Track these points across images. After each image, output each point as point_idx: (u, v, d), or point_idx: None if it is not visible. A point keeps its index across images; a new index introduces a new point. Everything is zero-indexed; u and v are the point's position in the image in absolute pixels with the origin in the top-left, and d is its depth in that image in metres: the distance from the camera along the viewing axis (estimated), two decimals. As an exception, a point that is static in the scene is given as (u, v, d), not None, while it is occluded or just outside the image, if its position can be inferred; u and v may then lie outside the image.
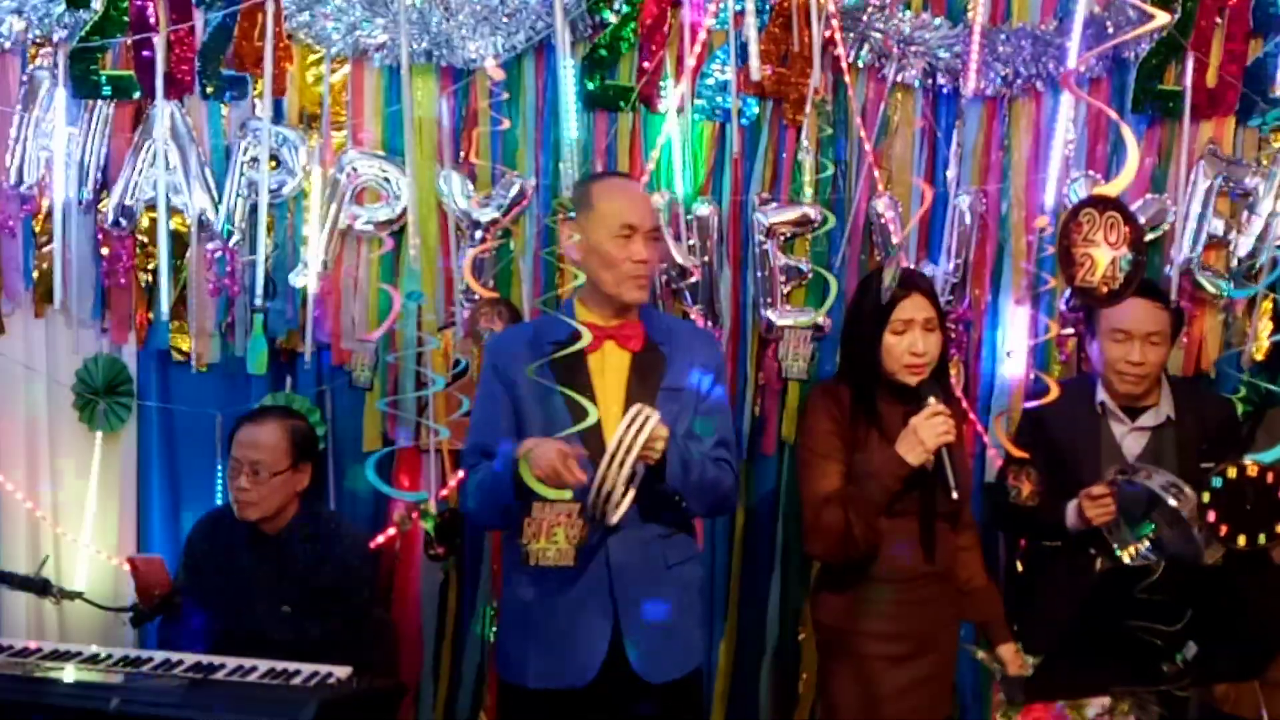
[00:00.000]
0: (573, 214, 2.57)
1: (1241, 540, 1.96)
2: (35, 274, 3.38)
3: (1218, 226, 3.20)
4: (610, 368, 2.48)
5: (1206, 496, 1.99)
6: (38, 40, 3.28)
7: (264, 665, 2.62)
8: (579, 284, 2.60)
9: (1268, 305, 3.22)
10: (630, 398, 2.42)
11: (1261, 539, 1.98)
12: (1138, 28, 3.05)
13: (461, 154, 3.27)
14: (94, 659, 2.65)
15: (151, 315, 3.38)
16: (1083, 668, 2.04)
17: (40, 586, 2.70)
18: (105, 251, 3.36)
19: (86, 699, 2.37)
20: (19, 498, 3.36)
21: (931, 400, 2.52)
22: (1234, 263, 3.18)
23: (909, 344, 2.56)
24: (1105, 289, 1.94)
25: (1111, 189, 2.12)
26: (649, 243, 2.51)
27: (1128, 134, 2.12)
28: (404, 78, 2.97)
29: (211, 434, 3.43)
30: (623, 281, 2.47)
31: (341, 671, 2.60)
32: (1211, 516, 1.99)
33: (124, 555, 3.38)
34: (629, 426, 2.17)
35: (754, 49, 2.95)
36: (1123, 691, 2.15)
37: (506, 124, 3.18)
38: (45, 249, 3.37)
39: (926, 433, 2.49)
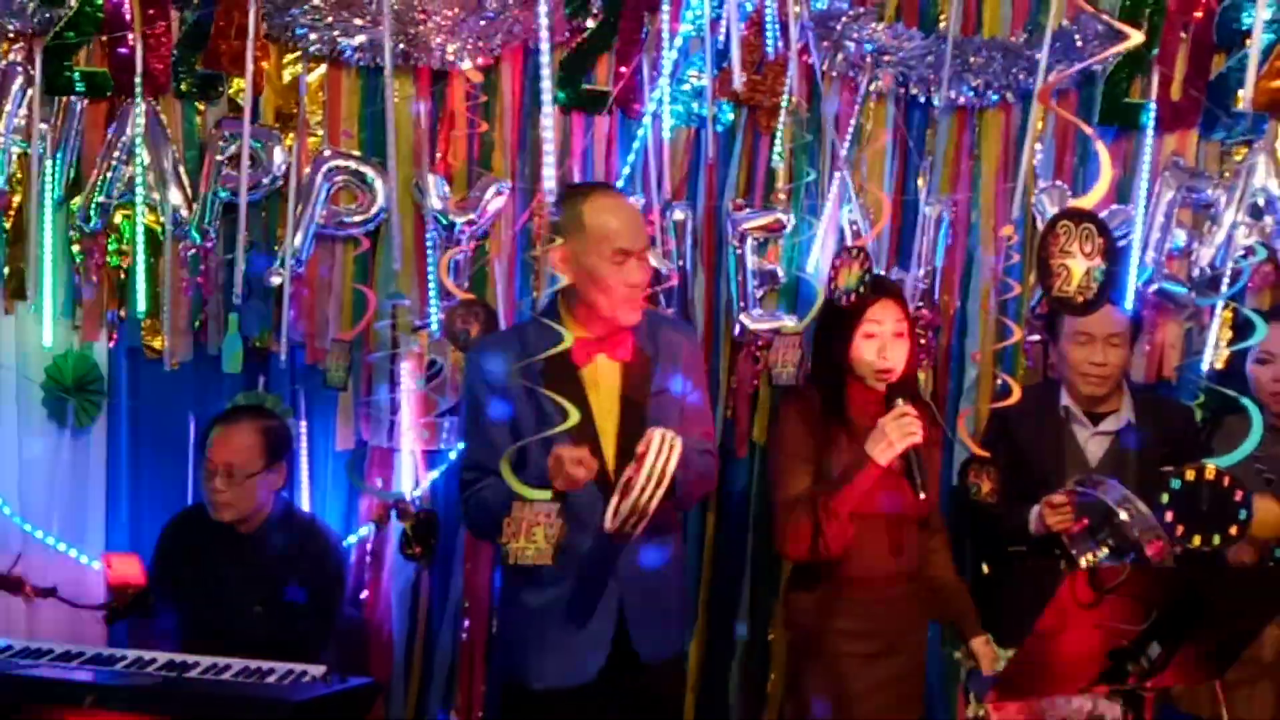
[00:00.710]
0: (558, 236, 2.52)
1: (1197, 540, 2.02)
2: (6, 270, 3.36)
3: (1180, 237, 3.27)
4: (603, 378, 2.51)
5: (1165, 497, 2.05)
6: (10, 35, 3.27)
7: (238, 664, 2.63)
8: (556, 287, 2.62)
9: (1228, 315, 3.30)
10: (624, 406, 2.47)
11: (1215, 540, 2.04)
12: (1105, 40, 3.13)
13: (438, 155, 3.28)
14: (66, 656, 2.65)
15: (124, 313, 3.38)
16: (1057, 672, 2.09)
17: (13, 584, 2.69)
18: (77, 249, 3.35)
19: (61, 697, 2.37)
20: (-12, 495, 3.35)
21: (899, 401, 2.56)
22: (1195, 272, 3.25)
23: (877, 349, 2.61)
24: (1081, 298, 1.99)
25: (1086, 202, 2.17)
26: (641, 263, 2.52)
27: (1102, 151, 2.17)
28: (387, 79, 2.98)
29: (182, 432, 3.44)
30: (618, 305, 2.49)
31: (316, 670, 2.61)
32: (1169, 516, 2.04)
33: (92, 553, 3.38)
34: (657, 456, 2.22)
35: (736, 57, 2.98)
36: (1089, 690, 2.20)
37: (485, 127, 3.20)
38: (16, 245, 3.36)
39: (895, 433, 2.53)
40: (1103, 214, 3.14)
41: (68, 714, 2.34)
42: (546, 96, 2.91)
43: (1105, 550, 2.65)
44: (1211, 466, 2.08)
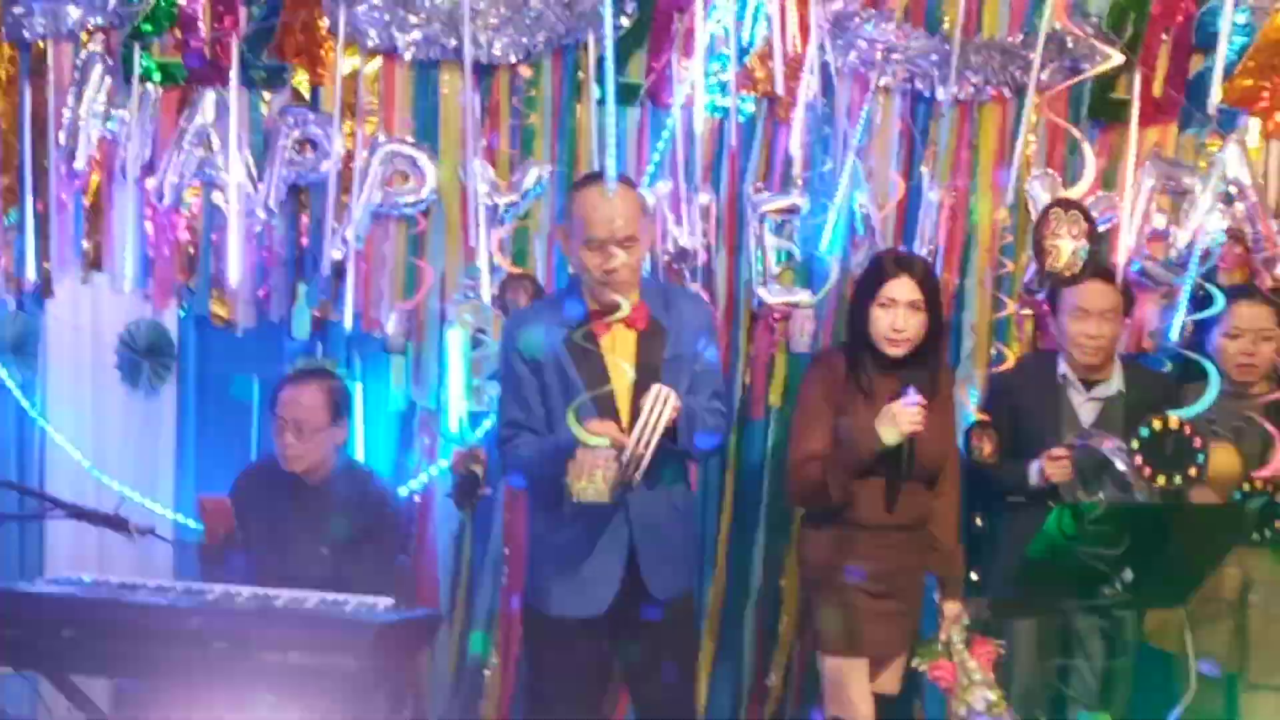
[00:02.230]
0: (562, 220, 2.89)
1: (1161, 480, 2.35)
2: (86, 243, 3.66)
3: (1159, 221, 3.59)
4: (620, 346, 2.80)
5: (1135, 444, 2.38)
6: (90, 28, 3.55)
7: (315, 596, 2.93)
8: None
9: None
10: (640, 371, 2.77)
11: (1177, 480, 2.37)
12: (1093, 43, 3.47)
13: (484, 142, 3.58)
14: (159, 590, 2.95)
15: (193, 284, 3.67)
16: (1039, 590, 2.42)
17: (118, 523, 2.99)
18: (150, 225, 3.64)
19: (169, 621, 2.67)
20: (69, 449, 3.65)
21: (911, 390, 2.84)
22: (1173, 253, 3.58)
23: (890, 320, 2.90)
24: (1068, 272, 2.32)
25: (1074, 193, 2.51)
26: (621, 249, 2.75)
27: (1087, 150, 2.50)
28: (466, 70, 3.35)
29: (246, 394, 3.75)
30: (594, 285, 2.79)
31: (384, 601, 2.93)
32: (1138, 460, 2.37)
33: (163, 503, 3.68)
34: (652, 409, 2.54)
35: (779, 59, 3.26)
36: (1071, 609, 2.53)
37: (533, 118, 3.49)
38: (95, 221, 3.65)
39: (902, 420, 2.82)
40: (1089, 200, 3.51)
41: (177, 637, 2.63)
42: (609, 92, 3.05)
43: (1100, 498, 2.98)
44: (1174, 417, 2.42)
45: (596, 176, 2.92)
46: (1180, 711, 2.89)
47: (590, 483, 2.54)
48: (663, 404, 2.57)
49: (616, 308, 2.73)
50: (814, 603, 3.05)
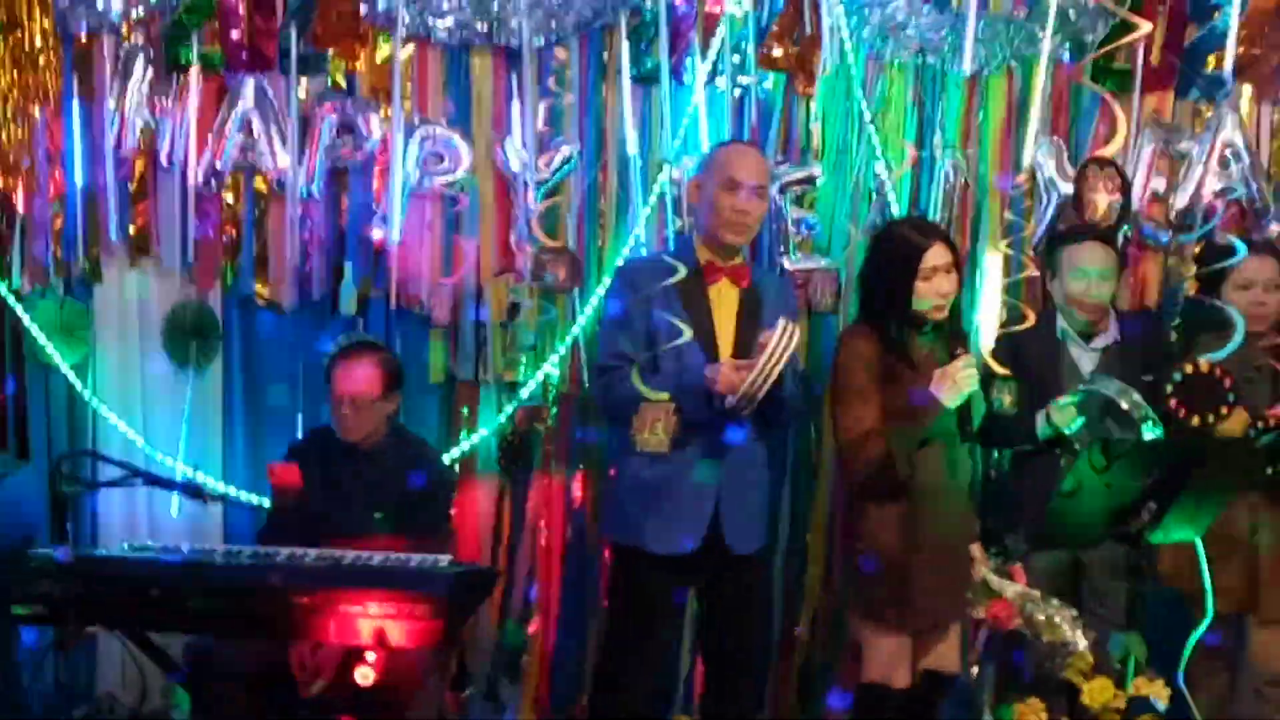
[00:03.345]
0: (697, 172, 3.14)
1: (1195, 420, 2.55)
2: (132, 229, 3.79)
3: (1159, 184, 3.79)
4: (725, 299, 3.05)
5: (1169, 388, 2.57)
6: (133, 21, 3.68)
7: (379, 555, 3.08)
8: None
9: (1198, 249, 3.83)
10: (740, 323, 3.01)
11: (1210, 419, 2.57)
12: (1095, 16, 3.66)
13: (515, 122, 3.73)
14: (228, 554, 3.09)
15: (236, 265, 3.82)
16: (1069, 525, 2.62)
17: (194, 490, 3.14)
18: (194, 209, 3.78)
19: (253, 579, 2.82)
20: (120, 426, 3.78)
21: (960, 351, 2.98)
22: (1172, 215, 3.78)
23: (936, 286, 3.02)
24: (1105, 223, 2.52)
25: (1107, 152, 2.71)
26: (751, 197, 3.03)
27: (1118, 110, 2.68)
28: (525, 55, 3.55)
29: (290, 372, 3.89)
30: (724, 226, 3.02)
31: (445, 558, 3.08)
32: (1173, 404, 2.57)
33: (214, 476, 3.81)
34: (780, 339, 2.73)
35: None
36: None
37: (570, 99, 3.64)
38: (140, 205, 3.79)
39: (962, 380, 2.95)
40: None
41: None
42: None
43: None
44: (1205, 361, 2.61)
45: (739, 140, 3.32)
46: (1196, 640, 3.10)
47: (652, 434, 2.74)
48: (789, 337, 2.76)
49: (736, 262, 3.03)
50: (869, 576, 3.06)
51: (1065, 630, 2.94)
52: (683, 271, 3.01)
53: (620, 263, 3.47)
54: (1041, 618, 2.95)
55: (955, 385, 2.96)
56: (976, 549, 3.22)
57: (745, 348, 2.95)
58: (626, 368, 2.98)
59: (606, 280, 3.50)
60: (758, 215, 3.10)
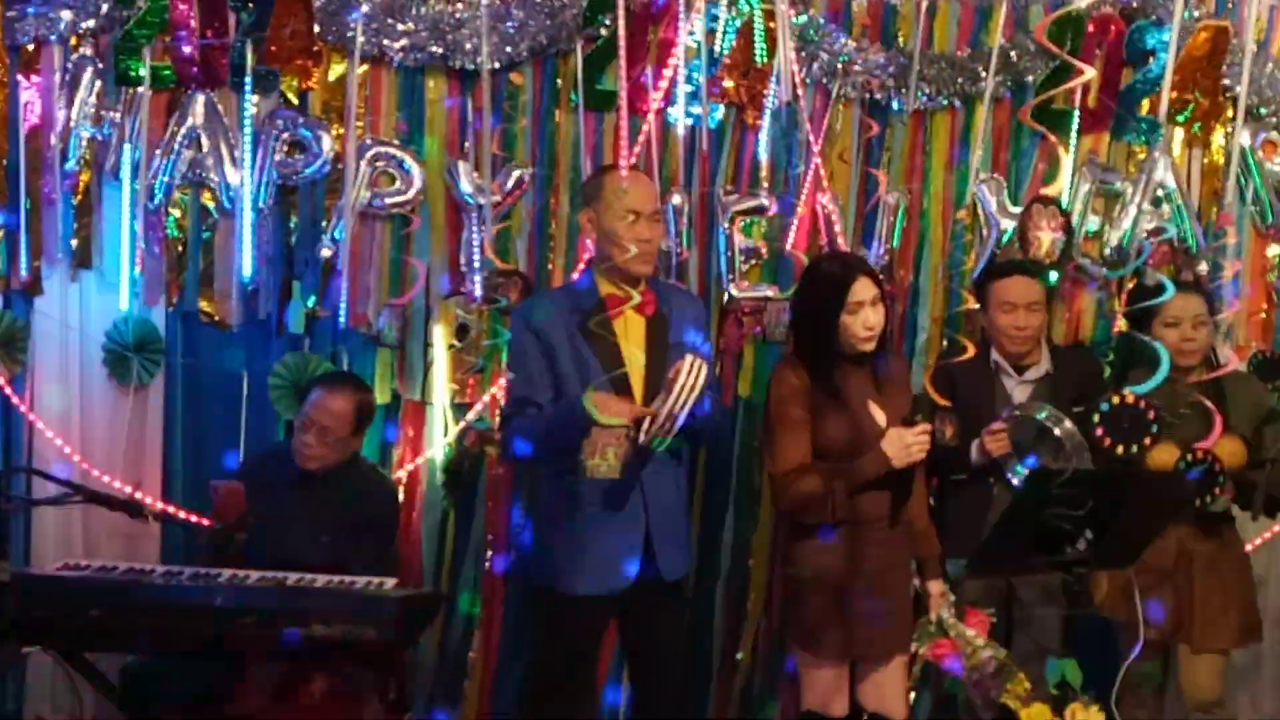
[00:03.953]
0: (586, 203, 3.09)
1: (1120, 450, 2.63)
2: (75, 242, 3.74)
3: (1094, 222, 3.91)
4: (631, 330, 3.04)
5: (1096, 417, 2.66)
6: (81, 32, 3.64)
7: (322, 577, 3.07)
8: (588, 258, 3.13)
9: (1131, 284, 3.94)
10: (649, 353, 3.00)
11: (1134, 449, 2.66)
12: (1035, 58, 3.78)
13: (468, 145, 3.75)
14: (168, 574, 3.06)
15: (182, 281, 3.78)
16: (1008, 553, 2.68)
17: (135, 508, 3.09)
18: (140, 223, 3.73)
19: (193, 597, 2.80)
20: (58, 443, 3.71)
21: (919, 418, 3.04)
22: (1107, 251, 3.90)
23: (863, 320, 3.06)
24: (1049, 259, 2.61)
25: (1051, 190, 2.80)
26: (653, 224, 3.04)
27: (1062, 153, 2.77)
28: (484, 78, 3.53)
29: (233, 390, 3.86)
30: (630, 260, 3.01)
31: (390, 581, 3.08)
32: (1099, 432, 2.65)
33: (152, 495, 3.76)
34: (687, 375, 2.74)
35: (785, 74, 3.49)
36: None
37: (525, 121, 3.67)
38: (84, 220, 3.74)
39: (915, 447, 2.99)
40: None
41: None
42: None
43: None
44: (1130, 393, 2.70)
45: (614, 167, 3.23)
46: (1127, 666, 3.18)
47: (603, 459, 2.74)
48: (696, 372, 2.76)
49: (639, 290, 2.98)
50: (804, 604, 3.11)
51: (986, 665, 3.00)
52: (585, 306, 2.99)
53: (519, 305, 3.43)
54: (972, 656, 3.01)
55: (906, 450, 3.00)
56: (936, 586, 3.23)
57: (657, 376, 2.94)
58: (531, 409, 2.98)
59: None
60: (659, 240, 3.15)
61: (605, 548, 3.01)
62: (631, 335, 3.03)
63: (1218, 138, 4.00)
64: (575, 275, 3.62)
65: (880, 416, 3.10)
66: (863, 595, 3.07)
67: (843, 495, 3.01)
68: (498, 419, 3.61)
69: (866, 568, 3.08)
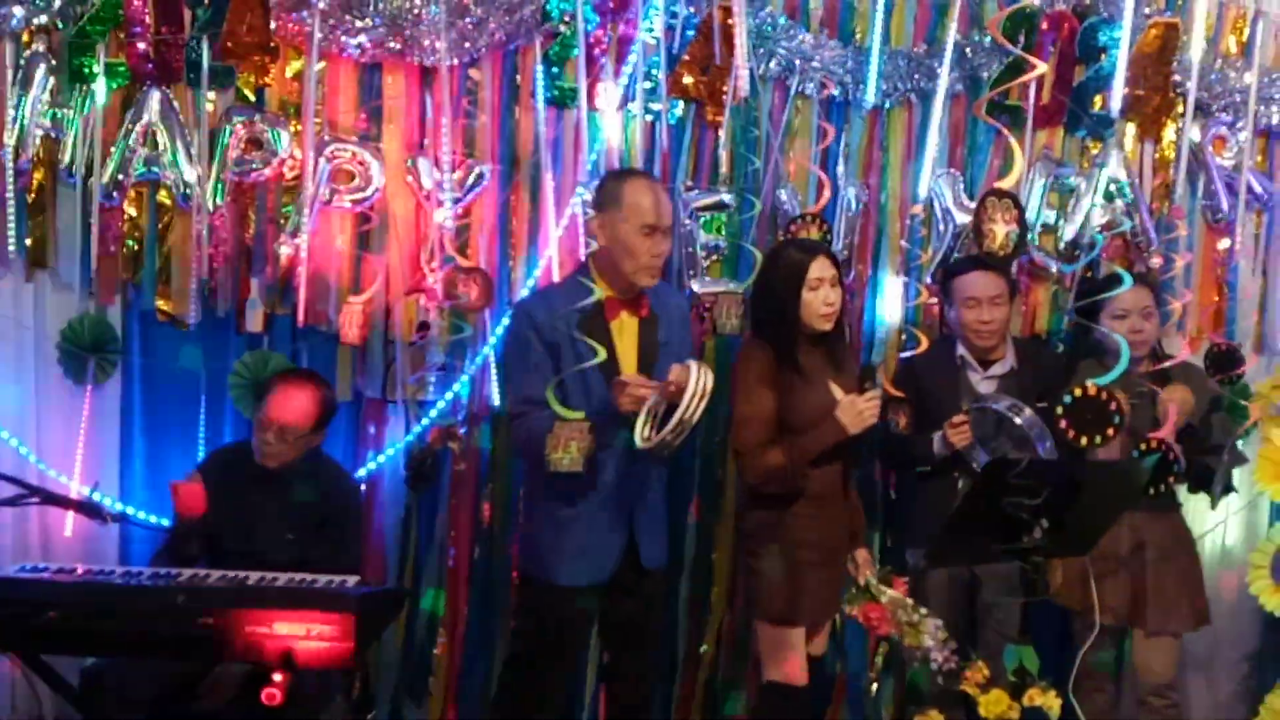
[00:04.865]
0: (598, 207, 3.13)
1: (1084, 441, 2.68)
2: (29, 241, 3.69)
3: (1049, 216, 3.96)
4: (625, 330, 3.10)
5: (1059, 410, 2.70)
6: (34, 27, 3.59)
7: (284, 576, 3.05)
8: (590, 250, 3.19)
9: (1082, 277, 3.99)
10: (641, 352, 3.07)
11: (1098, 440, 2.71)
12: (989, 54, 3.82)
13: (427, 142, 3.74)
14: (128, 574, 3.02)
15: (138, 279, 3.74)
16: (967, 542, 2.72)
17: (91, 509, 3.06)
18: (95, 221, 3.69)
19: (155, 598, 2.77)
20: (14, 444, 3.67)
21: (869, 385, 3.13)
22: (1061, 245, 3.95)
23: (823, 297, 3.15)
24: (1003, 252, 2.63)
25: (1005, 184, 2.83)
26: (665, 238, 3.09)
27: (1015, 147, 2.82)
28: (443, 74, 3.52)
29: (191, 389, 3.82)
30: (640, 271, 3.06)
31: (352, 579, 3.06)
32: (1064, 424, 2.69)
33: (109, 495, 3.72)
34: (698, 381, 2.77)
35: (744, 73, 3.51)
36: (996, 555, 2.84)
37: (484, 118, 3.67)
38: (37, 219, 3.69)
39: (867, 412, 3.08)
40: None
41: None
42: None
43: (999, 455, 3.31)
44: (1093, 385, 2.74)
45: (637, 171, 3.27)
46: (1083, 652, 3.24)
47: (566, 453, 2.76)
48: (706, 375, 2.80)
49: (636, 294, 3.02)
50: (757, 574, 3.23)
51: (926, 638, 3.07)
52: (589, 300, 3.03)
53: (517, 301, 3.46)
54: (906, 622, 3.08)
55: (860, 416, 3.08)
56: (862, 554, 3.32)
57: (646, 373, 3.03)
58: (540, 409, 2.99)
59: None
60: (668, 254, 3.20)
61: (595, 539, 3.08)
62: (625, 335, 3.11)
63: (1169, 133, 4.07)
64: (553, 273, 3.64)
65: (839, 394, 3.17)
66: (820, 566, 3.19)
67: (803, 464, 3.10)
68: (492, 416, 3.63)
69: (824, 539, 3.19)
